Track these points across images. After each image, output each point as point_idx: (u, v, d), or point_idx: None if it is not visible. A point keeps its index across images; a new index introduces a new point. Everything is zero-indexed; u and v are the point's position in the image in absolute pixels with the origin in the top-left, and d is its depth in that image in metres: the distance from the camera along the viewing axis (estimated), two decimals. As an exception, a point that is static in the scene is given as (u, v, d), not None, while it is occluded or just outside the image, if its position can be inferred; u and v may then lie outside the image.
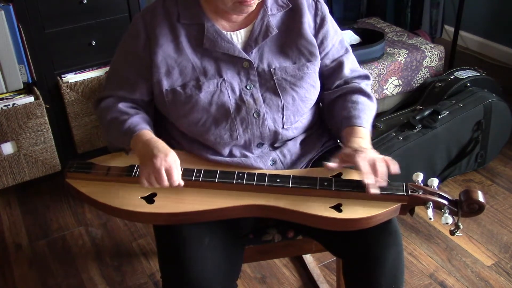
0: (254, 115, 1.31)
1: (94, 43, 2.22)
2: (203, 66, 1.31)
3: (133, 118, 1.32)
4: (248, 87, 1.31)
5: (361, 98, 1.38)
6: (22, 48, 2.08)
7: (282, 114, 1.33)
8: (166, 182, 1.19)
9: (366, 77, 1.45)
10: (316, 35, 1.37)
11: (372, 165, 1.19)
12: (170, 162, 1.20)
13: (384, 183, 1.19)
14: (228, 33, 1.32)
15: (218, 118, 1.30)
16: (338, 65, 1.41)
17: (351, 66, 1.43)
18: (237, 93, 1.31)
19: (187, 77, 1.31)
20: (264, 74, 1.32)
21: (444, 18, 3.46)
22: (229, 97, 1.30)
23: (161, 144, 1.24)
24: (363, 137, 1.29)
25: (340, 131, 1.36)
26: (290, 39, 1.35)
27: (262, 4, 1.33)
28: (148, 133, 1.29)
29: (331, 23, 1.39)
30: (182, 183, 1.22)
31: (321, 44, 1.38)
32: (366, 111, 1.36)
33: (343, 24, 2.81)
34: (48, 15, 2.10)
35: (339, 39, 1.42)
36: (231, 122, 1.30)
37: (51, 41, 2.14)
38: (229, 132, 1.31)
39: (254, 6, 1.27)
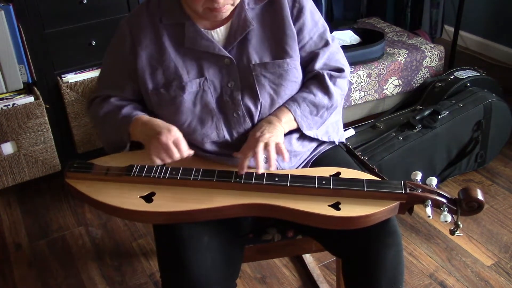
0: (234, 114, 1.31)
1: (94, 43, 2.22)
2: (185, 66, 1.31)
3: (126, 107, 1.35)
4: (229, 85, 1.32)
5: (313, 87, 1.36)
6: (22, 48, 2.08)
7: (260, 112, 1.33)
8: (177, 154, 1.21)
9: (338, 70, 1.40)
10: (292, 26, 1.35)
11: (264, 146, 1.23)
12: (175, 134, 1.22)
13: (273, 167, 1.23)
14: (209, 31, 1.32)
15: (203, 118, 1.31)
16: (311, 57, 1.38)
17: (326, 60, 1.39)
18: (219, 91, 1.31)
19: (170, 77, 1.31)
20: (244, 70, 1.32)
21: (444, 18, 3.46)
22: (212, 96, 1.31)
23: (160, 121, 1.27)
24: (280, 118, 1.31)
25: None
26: (271, 33, 1.34)
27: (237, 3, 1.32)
28: (145, 115, 1.32)
29: (310, 15, 1.36)
30: (191, 152, 1.24)
31: (297, 36, 1.35)
32: (308, 100, 1.34)
33: (343, 24, 2.81)
34: (48, 15, 2.10)
35: (319, 32, 1.39)
36: (216, 121, 1.31)
37: (51, 41, 2.15)
38: (216, 131, 1.32)
39: (227, 13, 1.26)
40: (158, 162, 1.22)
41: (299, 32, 1.36)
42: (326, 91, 1.36)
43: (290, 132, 1.37)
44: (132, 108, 1.36)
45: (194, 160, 1.32)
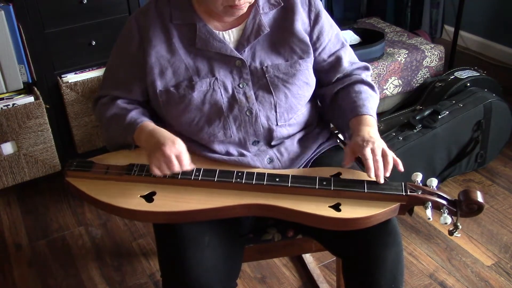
0: (247, 113, 1.31)
1: (94, 43, 2.22)
2: (196, 66, 1.31)
3: (132, 112, 1.34)
4: (241, 86, 1.32)
5: (363, 88, 1.39)
6: (22, 48, 2.08)
7: (276, 111, 1.33)
8: (178, 168, 1.21)
9: (366, 68, 1.45)
10: (311, 31, 1.37)
11: (380, 157, 1.21)
12: (179, 148, 1.22)
13: (387, 174, 1.21)
14: (220, 32, 1.33)
15: (211, 117, 1.31)
16: (336, 59, 1.41)
17: (349, 59, 1.43)
18: (230, 91, 1.31)
19: (180, 77, 1.31)
20: (256, 72, 1.33)
21: (444, 18, 3.46)
22: (221, 95, 1.31)
23: (166, 132, 1.26)
24: (370, 125, 1.30)
25: (346, 122, 1.36)
26: (282, 37, 1.35)
27: (254, 3, 1.33)
28: (150, 123, 1.31)
29: (326, 18, 1.39)
30: (192, 166, 1.24)
31: (317, 40, 1.38)
32: (370, 100, 1.36)
33: (343, 24, 2.81)
34: (48, 15, 2.10)
35: (335, 34, 1.42)
36: (224, 120, 1.31)
37: (51, 41, 2.15)
38: (223, 130, 1.31)
39: (245, 9, 1.27)
40: (158, 173, 1.22)
41: (320, 35, 1.38)
42: (375, 90, 1.41)
43: (294, 134, 1.38)
44: (138, 113, 1.35)
45: (199, 161, 1.32)
